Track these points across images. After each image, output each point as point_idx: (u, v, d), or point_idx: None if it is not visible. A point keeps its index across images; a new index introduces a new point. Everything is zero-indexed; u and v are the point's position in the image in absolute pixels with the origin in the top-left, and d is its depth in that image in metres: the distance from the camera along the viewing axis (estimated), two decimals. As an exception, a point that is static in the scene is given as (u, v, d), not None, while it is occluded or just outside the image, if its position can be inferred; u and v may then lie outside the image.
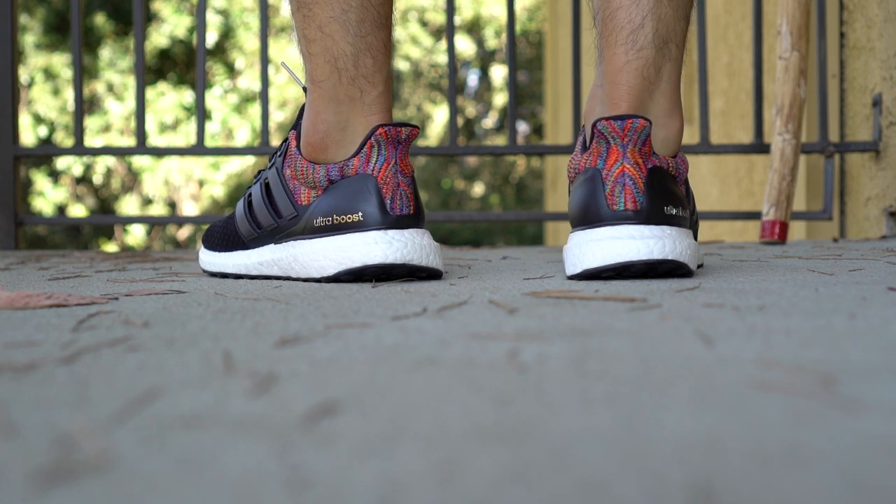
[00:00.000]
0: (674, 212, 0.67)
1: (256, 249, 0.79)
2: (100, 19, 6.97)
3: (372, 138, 0.71)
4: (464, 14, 7.69)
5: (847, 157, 1.67)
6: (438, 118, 8.06)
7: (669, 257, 0.65)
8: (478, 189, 8.34)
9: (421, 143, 7.79)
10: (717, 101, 2.43)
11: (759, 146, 1.56)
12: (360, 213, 0.71)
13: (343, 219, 0.71)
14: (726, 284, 0.63)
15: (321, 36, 0.74)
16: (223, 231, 0.83)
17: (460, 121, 7.98)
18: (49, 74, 6.62)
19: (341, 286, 0.68)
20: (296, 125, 0.78)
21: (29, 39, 6.63)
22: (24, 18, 6.64)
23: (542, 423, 0.26)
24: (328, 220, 0.72)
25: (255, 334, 0.43)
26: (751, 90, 1.66)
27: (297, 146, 0.76)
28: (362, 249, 0.69)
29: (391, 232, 0.70)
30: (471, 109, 8.59)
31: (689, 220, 0.70)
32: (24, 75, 6.57)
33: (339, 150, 0.74)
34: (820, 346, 0.37)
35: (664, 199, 0.67)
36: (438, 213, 1.71)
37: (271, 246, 0.77)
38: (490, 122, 8.58)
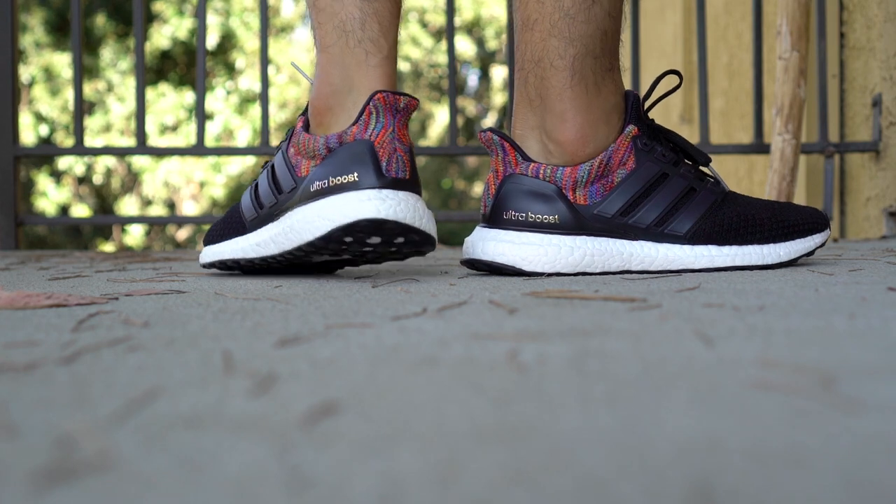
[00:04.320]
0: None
1: (255, 231, 0.79)
2: (100, 20, 6.97)
3: (371, 104, 0.71)
4: (464, 15, 7.69)
5: (847, 157, 1.67)
6: (438, 118, 8.06)
7: None
8: (478, 189, 8.34)
9: (421, 143, 7.79)
10: (717, 101, 2.43)
11: (759, 146, 1.56)
12: (355, 174, 0.70)
13: (338, 180, 0.71)
14: (726, 284, 0.63)
15: (331, 2, 0.75)
16: (223, 223, 0.84)
17: (460, 121, 7.98)
18: (50, 74, 6.62)
19: (341, 286, 0.68)
20: (305, 111, 0.79)
21: (29, 39, 6.63)
22: (24, 18, 6.64)
23: (542, 423, 0.26)
24: (324, 184, 0.72)
25: (255, 334, 0.43)
26: (751, 90, 1.66)
27: (303, 127, 0.77)
28: (355, 206, 0.69)
29: (385, 191, 0.70)
30: (471, 109, 8.59)
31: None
32: (24, 74, 6.56)
33: (342, 114, 0.75)
34: (820, 346, 0.37)
35: None
36: (438, 213, 1.71)
37: (269, 224, 0.78)
38: (490, 122, 8.58)
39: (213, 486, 0.21)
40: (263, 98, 1.62)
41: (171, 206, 6.99)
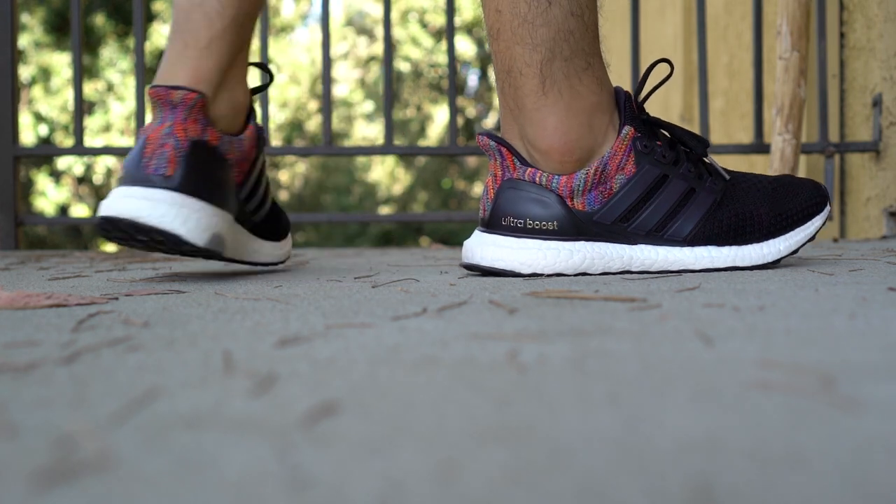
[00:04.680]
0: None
1: None
2: (100, 19, 6.97)
3: (151, 99, 0.73)
4: (464, 15, 7.69)
5: (847, 157, 1.67)
6: (438, 118, 8.06)
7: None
8: (478, 189, 8.34)
9: (421, 143, 7.78)
10: (717, 101, 2.43)
11: (759, 146, 1.56)
12: (125, 169, 0.72)
13: (120, 175, 0.73)
14: (726, 284, 0.63)
15: None
16: None
17: (460, 121, 7.98)
18: (49, 74, 6.62)
19: (341, 286, 0.68)
20: None
21: (29, 39, 6.63)
22: (23, 18, 6.64)
23: (542, 423, 0.26)
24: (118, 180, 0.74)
25: (255, 334, 0.43)
26: (751, 90, 1.66)
27: None
28: (105, 204, 0.70)
29: (135, 188, 0.70)
30: (471, 109, 8.59)
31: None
32: (24, 74, 6.56)
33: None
34: (820, 346, 0.37)
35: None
36: (438, 213, 1.71)
37: None
38: (490, 122, 8.59)
39: (213, 486, 0.21)
40: (263, 98, 1.62)
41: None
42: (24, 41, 6.48)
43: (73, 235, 6.89)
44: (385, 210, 7.97)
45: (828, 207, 0.81)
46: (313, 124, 7.89)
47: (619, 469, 0.22)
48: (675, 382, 0.31)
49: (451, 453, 0.23)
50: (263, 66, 0.86)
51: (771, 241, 0.77)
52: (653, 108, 1.42)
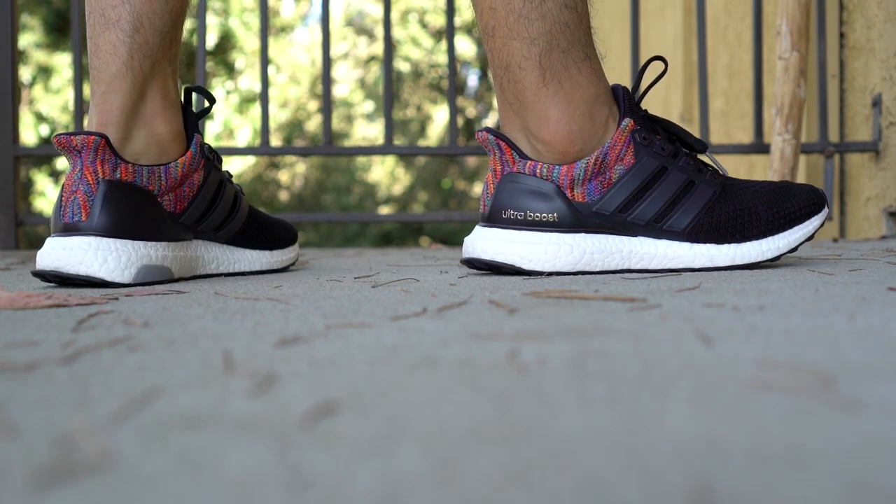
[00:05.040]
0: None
1: None
2: (100, 19, 6.96)
3: (58, 148, 0.74)
4: (464, 15, 7.69)
5: (847, 157, 1.67)
6: (438, 118, 8.06)
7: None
8: (478, 189, 8.34)
9: (421, 143, 7.79)
10: (717, 101, 2.43)
11: (759, 146, 1.56)
12: (51, 220, 0.74)
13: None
14: (726, 284, 0.63)
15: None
16: None
17: (460, 121, 7.98)
18: (49, 74, 6.62)
19: (341, 286, 0.68)
20: None
21: (29, 39, 6.63)
22: (24, 18, 6.64)
23: (542, 424, 0.26)
24: None
25: (255, 334, 0.43)
26: (751, 90, 1.66)
27: None
28: (39, 257, 0.73)
29: (56, 239, 0.72)
30: (471, 109, 8.59)
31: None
32: (24, 74, 6.56)
33: None
34: (820, 346, 0.37)
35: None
36: (438, 213, 1.71)
37: None
38: (490, 122, 8.59)
39: (213, 486, 0.21)
40: (263, 98, 1.62)
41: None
42: (24, 41, 6.48)
43: (73, 235, 6.88)
44: (385, 210, 7.97)
45: (826, 209, 0.81)
46: (313, 124, 7.90)
47: (619, 469, 0.22)
48: (675, 382, 0.31)
49: (451, 453, 0.23)
50: (202, 91, 0.85)
51: (770, 238, 0.77)
52: (653, 108, 1.42)
